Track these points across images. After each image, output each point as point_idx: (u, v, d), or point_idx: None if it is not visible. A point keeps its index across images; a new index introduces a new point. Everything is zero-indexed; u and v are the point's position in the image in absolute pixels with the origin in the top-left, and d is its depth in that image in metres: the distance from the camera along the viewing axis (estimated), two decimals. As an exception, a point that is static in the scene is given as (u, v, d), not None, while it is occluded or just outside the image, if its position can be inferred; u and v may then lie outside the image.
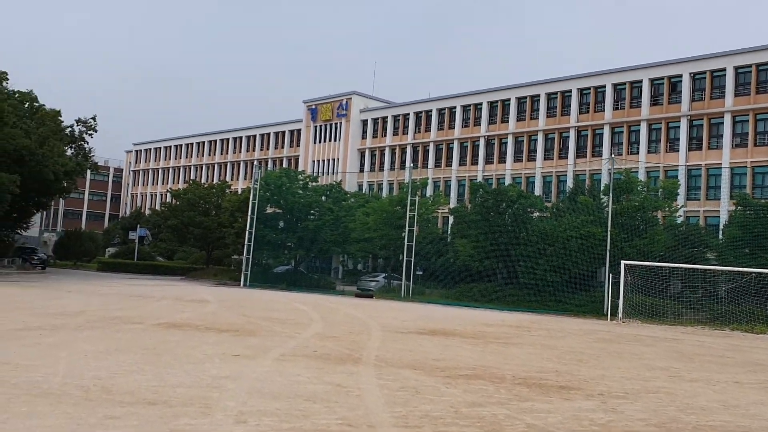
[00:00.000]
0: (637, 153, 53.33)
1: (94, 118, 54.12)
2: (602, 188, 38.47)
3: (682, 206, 41.39)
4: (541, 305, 36.02)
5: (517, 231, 37.66)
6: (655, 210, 36.09)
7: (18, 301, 21.37)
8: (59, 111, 45.84)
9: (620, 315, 29.29)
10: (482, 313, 30.47)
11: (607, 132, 55.66)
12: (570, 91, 58.29)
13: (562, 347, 16.90)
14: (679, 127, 51.89)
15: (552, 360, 13.96)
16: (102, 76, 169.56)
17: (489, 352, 14.58)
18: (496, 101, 63.06)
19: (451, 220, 55.46)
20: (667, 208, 36.21)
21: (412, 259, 39.71)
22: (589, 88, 57.31)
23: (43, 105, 45.63)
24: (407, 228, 40.08)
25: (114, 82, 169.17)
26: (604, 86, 56.15)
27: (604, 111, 56.08)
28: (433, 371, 11.18)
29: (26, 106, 44.74)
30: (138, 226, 65.05)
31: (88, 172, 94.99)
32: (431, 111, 67.75)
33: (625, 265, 30.11)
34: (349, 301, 34.85)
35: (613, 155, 37.83)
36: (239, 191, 63.97)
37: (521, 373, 11.65)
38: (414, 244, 39.94)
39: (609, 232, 34.65)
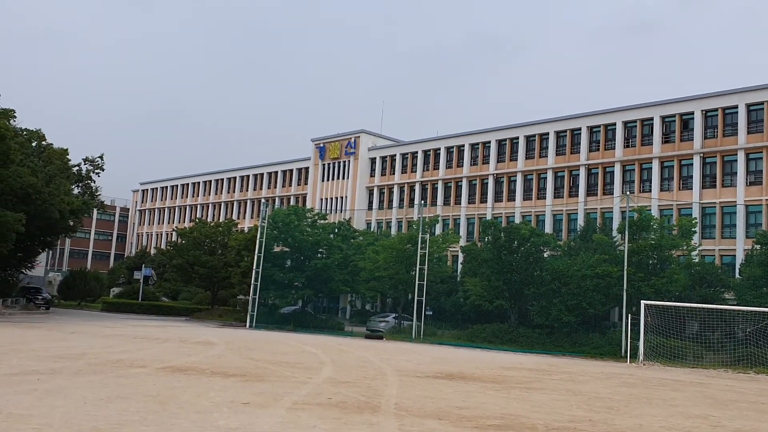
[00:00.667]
0: (650, 191, 52.66)
1: (101, 157, 53.95)
2: (616, 226, 37.62)
3: (699, 245, 40.43)
4: (555, 347, 34.96)
5: (530, 270, 36.82)
6: (671, 249, 35.23)
7: (18, 342, 20.59)
8: (66, 150, 45.65)
9: (641, 357, 28.24)
10: (497, 355, 29.46)
11: (618, 170, 55.08)
12: (579, 129, 57.93)
13: (587, 393, 15.97)
14: (691, 164, 51.26)
15: (581, 407, 13.05)
16: (109, 116, 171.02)
17: (513, 399, 13.69)
18: (505, 139, 62.72)
19: (461, 258, 54.70)
20: (684, 247, 35.32)
21: (423, 299, 38.81)
22: (599, 126, 56.94)
23: (51, 143, 45.44)
24: (418, 266, 39.26)
25: (121, 121, 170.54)
26: (614, 124, 55.76)
27: (614, 149, 55.58)
28: (460, 421, 10.32)
29: (33, 144, 44.55)
30: (143, 265, 64.36)
31: (95, 211, 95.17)
32: (439, 149, 67.47)
33: (645, 305, 29.14)
34: (359, 342, 33.88)
35: (627, 192, 37.09)
36: (246, 230, 63.40)
37: (553, 422, 10.77)
38: (425, 283, 39.07)
39: (625, 271, 33.77)
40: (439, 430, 9.42)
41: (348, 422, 9.60)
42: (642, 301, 29.39)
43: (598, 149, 56.77)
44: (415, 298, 39.08)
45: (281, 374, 15.75)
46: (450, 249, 49.20)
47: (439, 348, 32.96)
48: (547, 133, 59.93)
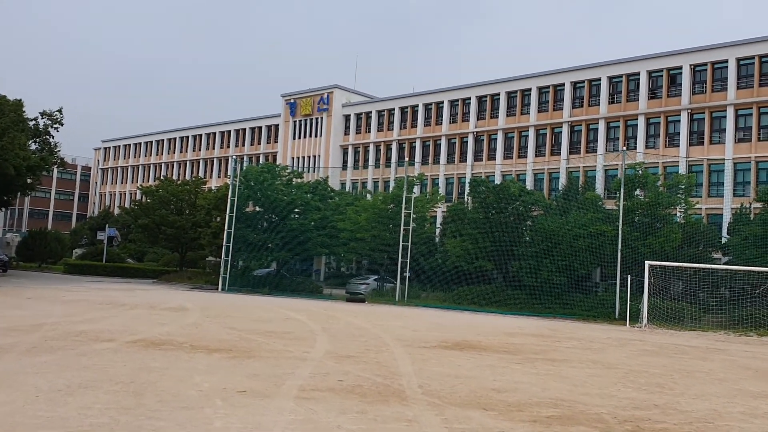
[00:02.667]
0: (635, 148, 51.21)
1: (60, 111, 50.47)
2: (602, 185, 35.92)
3: (696, 203, 38.98)
4: (545, 309, 33.48)
5: (519, 230, 35.09)
6: (668, 207, 33.71)
7: (-36, 311, 18.11)
8: (21, 101, 42.12)
9: (644, 321, 26.75)
10: (490, 319, 27.75)
11: (602, 127, 53.44)
12: (563, 84, 55.95)
13: (617, 365, 14.21)
14: (679, 121, 49.82)
15: (627, 385, 11.23)
16: (68, 71, 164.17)
17: (546, 375, 11.82)
18: (485, 96, 60.52)
19: (439, 218, 52.89)
20: (683, 204, 33.82)
21: (408, 261, 36.90)
22: (583, 82, 55.04)
23: (4, 95, 41.86)
24: (402, 227, 37.25)
25: (80, 77, 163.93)
26: (599, 79, 53.90)
27: (599, 105, 53.84)
28: (508, 411, 8.37)
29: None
30: (107, 226, 61.28)
31: (55, 169, 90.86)
32: (417, 106, 65.00)
33: (650, 266, 27.59)
34: (342, 306, 31.92)
35: (625, 148, 35.35)
36: (213, 190, 60.56)
37: (617, 410, 8.90)
38: (410, 244, 37.12)
39: (620, 231, 32.21)
40: (493, 427, 7.44)
41: (378, 417, 7.57)
42: (646, 262, 27.82)
43: (582, 105, 54.98)
44: (399, 259, 37.15)
45: (272, 348, 13.65)
46: (432, 210, 47.14)
47: (426, 311, 31.18)
48: (530, 90, 57.90)
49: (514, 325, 24.68)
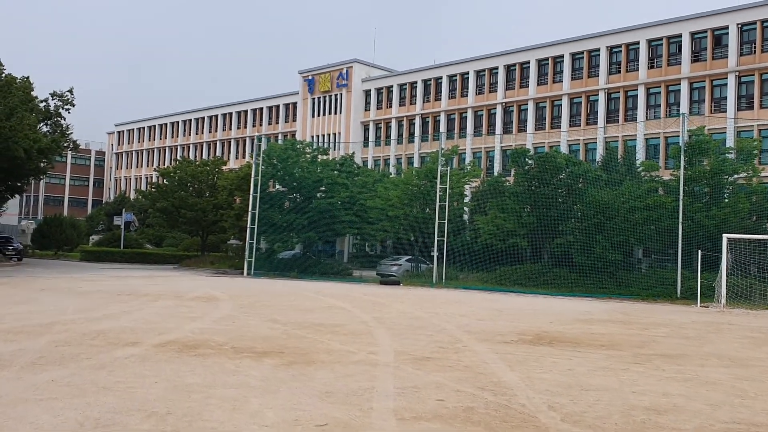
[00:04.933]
0: (677, 116, 48.15)
1: (71, 91, 47.95)
2: (671, 151, 33.01)
3: (763, 169, 35.95)
4: (598, 288, 30.84)
5: (568, 203, 32.37)
6: (731, 174, 30.83)
7: (-33, 308, 15.82)
8: (29, 78, 39.78)
9: (723, 301, 24.09)
10: (545, 302, 25.21)
11: (641, 93, 50.41)
12: (598, 50, 52.87)
13: (747, 361, 11.66)
14: (725, 84, 46.72)
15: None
16: (78, 54, 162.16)
17: (687, 382, 9.31)
18: (514, 64, 57.55)
19: (468, 195, 50.11)
20: (748, 172, 30.90)
21: (445, 239, 34.33)
22: (620, 46, 51.93)
23: (11, 74, 39.53)
24: (438, 204, 34.64)
25: (91, 60, 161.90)
26: (638, 43, 50.78)
27: (637, 71, 50.74)
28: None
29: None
30: (123, 210, 59.19)
31: (69, 154, 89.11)
32: (441, 78, 62.12)
33: (728, 239, 24.84)
34: (379, 290, 29.50)
35: (685, 113, 32.37)
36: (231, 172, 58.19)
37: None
38: (446, 222, 34.53)
39: (681, 201, 29.41)
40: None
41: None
42: (724, 235, 25.04)
43: (620, 71, 51.92)
44: (435, 238, 34.58)
45: (331, 349, 11.21)
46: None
47: (471, 294, 28.68)
48: (562, 56, 54.86)
49: (577, 309, 22.14)
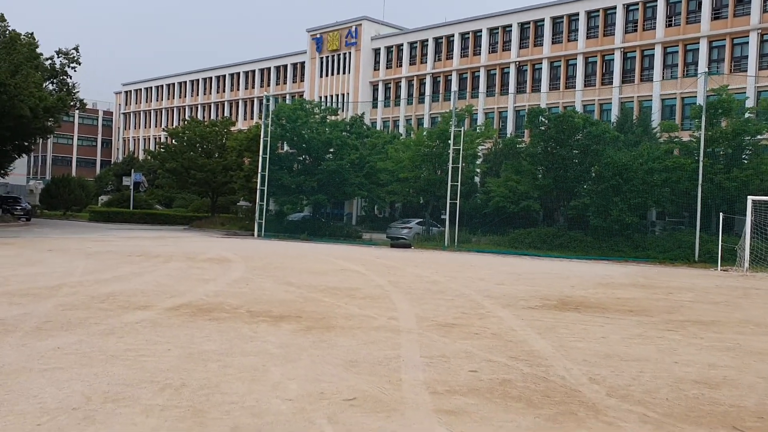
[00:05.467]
0: (694, 75, 46.93)
1: (76, 49, 47.08)
2: (691, 111, 32.09)
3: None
4: (614, 252, 30.34)
5: (586, 165, 31.62)
6: (754, 135, 29.95)
7: (-27, 269, 15.41)
8: (33, 35, 38.91)
9: (746, 264, 23.53)
10: (561, 266, 24.69)
11: (658, 53, 49.14)
12: (614, 7, 51.45)
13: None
14: (747, 42, 45.39)
15: None
16: (83, 13, 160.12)
17: (730, 351, 8.78)
18: (528, 22, 56.18)
19: (480, 157, 49.29)
20: (769, 132, 30.06)
21: (458, 202, 33.71)
22: (636, 4, 50.51)
23: (15, 30, 38.66)
24: (451, 165, 33.94)
25: (96, 19, 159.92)
26: (656, 0, 49.26)
27: (654, 29, 49.38)
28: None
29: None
30: (132, 171, 58.71)
31: (76, 114, 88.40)
32: (453, 36, 60.78)
33: (753, 201, 24.15)
34: (391, 254, 29.07)
35: (707, 71, 31.34)
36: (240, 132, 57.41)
37: None
38: (459, 184, 33.87)
39: (701, 163, 28.65)
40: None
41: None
42: (749, 197, 24.35)
43: (636, 30, 50.58)
44: (448, 201, 33.97)
45: (349, 313, 10.72)
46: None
47: (485, 258, 28.21)
48: (577, 14, 53.49)
49: (596, 273, 21.61)
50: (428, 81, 62.32)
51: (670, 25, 48.85)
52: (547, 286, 16.42)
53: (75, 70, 47.30)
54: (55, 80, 46.82)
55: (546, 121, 32.50)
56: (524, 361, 7.57)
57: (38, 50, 40.07)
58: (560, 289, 15.99)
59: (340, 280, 16.03)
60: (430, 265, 22.16)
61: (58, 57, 46.46)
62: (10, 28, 37.76)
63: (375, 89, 67.01)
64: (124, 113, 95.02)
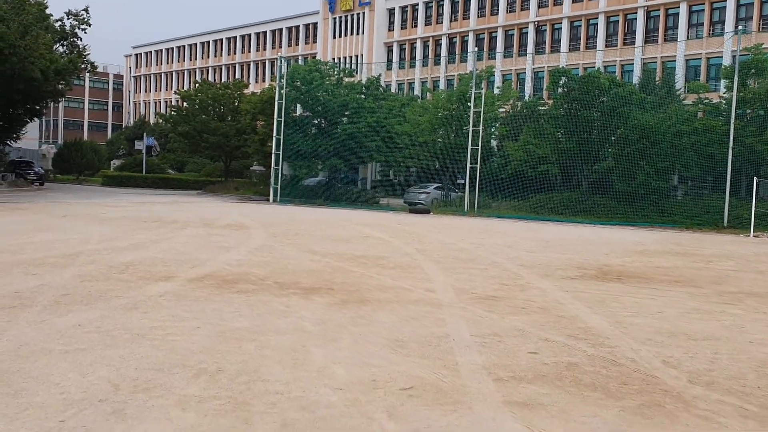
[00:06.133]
0: (721, 35, 45.40)
1: (86, 10, 46.11)
2: (722, 71, 30.93)
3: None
4: (640, 217, 29.57)
5: (611, 127, 30.64)
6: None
7: (-14, 236, 14.91)
8: (43, -5, 37.89)
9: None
10: (586, 231, 23.98)
11: (683, 11, 47.51)
12: (639, -36, 49.58)
13: None
14: (775, 1, 43.75)
15: None
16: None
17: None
18: (548, -20, 54.38)
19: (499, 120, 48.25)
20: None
21: (478, 167, 32.90)
22: (663, -40, 48.60)
23: (22, -11, 37.69)
24: (471, 128, 33.03)
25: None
26: (680, -45, 47.44)
27: (678, -14, 47.63)
28: None
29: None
30: (144, 134, 58.05)
31: (87, 78, 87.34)
32: (470, -5, 59.07)
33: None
34: (411, 219, 28.42)
35: (739, 29, 30.06)
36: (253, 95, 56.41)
37: None
38: (479, 148, 33.01)
39: (732, 125, 27.64)
40: None
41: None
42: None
43: (659, -12, 48.82)
44: (468, 165, 33.16)
45: (382, 285, 10.11)
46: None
47: (507, 223, 27.52)
48: (599, -29, 51.60)
49: (626, 239, 20.90)
50: (444, 42, 60.89)
51: (695, -17, 47.12)
52: (579, 254, 15.75)
53: (85, 32, 46.45)
54: (65, 42, 45.97)
55: (570, 83, 31.42)
56: (584, 340, 6.94)
57: (47, 11, 39.12)
58: (594, 256, 15.32)
59: (365, 247, 15.41)
60: (453, 231, 21.51)
61: (68, 18, 45.55)
62: (18, -12, 36.82)
63: (389, 51, 65.64)
64: (134, 76, 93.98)
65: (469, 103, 33.56)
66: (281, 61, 41.03)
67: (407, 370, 5.55)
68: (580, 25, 52.65)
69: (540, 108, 34.30)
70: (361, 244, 16.07)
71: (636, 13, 49.76)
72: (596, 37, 51.73)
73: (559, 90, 31.97)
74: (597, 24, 51.78)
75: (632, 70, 49.28)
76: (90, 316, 7.21)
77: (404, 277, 10.95)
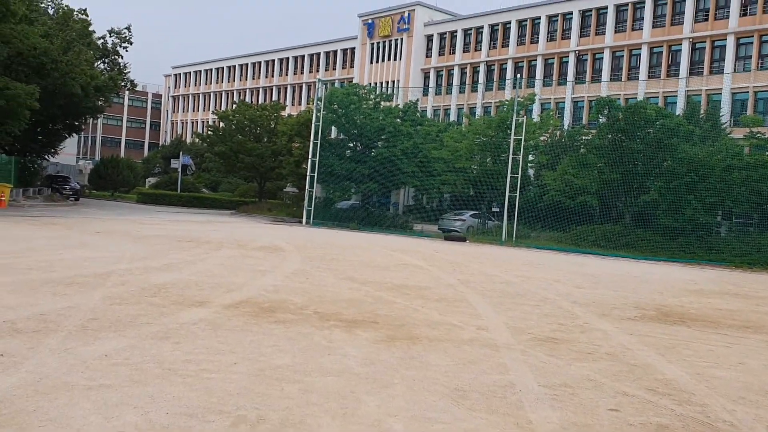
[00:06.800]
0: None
1: (128, 29, 46.68)
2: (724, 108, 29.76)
3: None
4: (686, 253, 28.34)
5: (658, 160, 29.62)
6: None
7: (15, 249, 14.52)
8: (86, 10, 38.33)
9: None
10: (631, 266, 22.94)
11: (731, 43, 46.39)
12: (685, -6, 48.70)
13: None
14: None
15: None
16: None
17: None
18: (590, 10, 53.79)
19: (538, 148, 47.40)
20: None
21: (517, 195, 32.07)
22: (708, -8, 47.71)
23: (67, 5, 38.23)
24: (511, 156, 32.27)
25: (149, 2, 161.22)
26: (730, -15, 46.49)
27: (728, 18, 46.66)
28: None
29: (43, 1, 36.96)
30: (181, 153, 58.33)
31: (126, 96, 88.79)
32: (510, 23, 58.70)
33: None
34: (446, 247, 27.64)
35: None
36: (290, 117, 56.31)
37: None
38: (519, 176, 32.20)
39: (787, 161, 26.49)
40: None
41: None
42: None
43: (707, 19, 47.86)
44: (507, 193, 32.33)
45: (430, 319, 9.38)
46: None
47: (548, 255, 26.57)
48: (643, 2, 50.95)
49: (677, 277, 19.86)
50: (482, 69, 60.44)
51: (744, 15, 46.06)
52: (632, 292, 14.84)
53: (126, 50, 46.98)
54: (106, 60, 46.48)
55: (616, 112, 30.52)
56: (667, 395, 6.12)
57: (90, 28, 39.53)
58: (649, 295, 14.40)
59: (405, 276, 14.70)
60: (494, 261, 20.69)
61: (111, 36, 46.10)
62: (63, 4, 37.28)
63: (426, 77, 65.40)
64: (173, 96, 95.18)
65: (509, 130, 32.84)
66: (320, 83, 40.82)
67: (475, 429, 4.81)
68: (623, 55, 51.80)
69: (583, 137, 33.37)
70: (400, 272, 15.37)
71: (681, 44, 48.80)
72: (639, 67, 50.81)
73: (601, 119, 31.07)
74: (640, 54, 50.89)
75: (676, 102, 48.17)
76: (118, 345, 6.61)
77: (452, 312, 10.20)
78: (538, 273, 17.79)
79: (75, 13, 37.24)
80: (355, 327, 8.40)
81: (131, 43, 46.69)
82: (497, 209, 37.37)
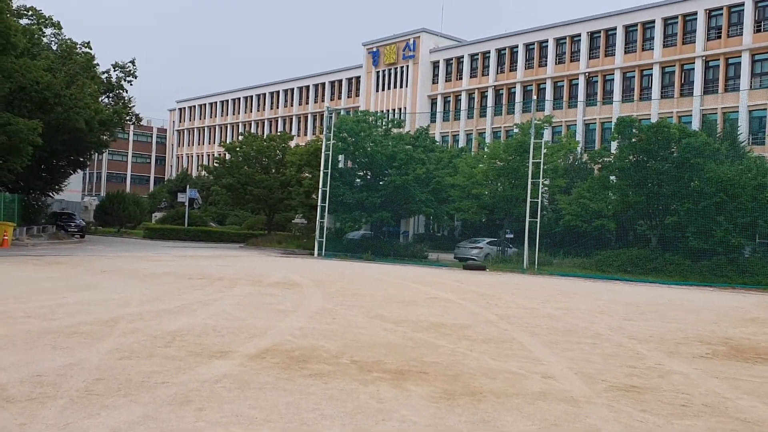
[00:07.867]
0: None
1: (132, 62, 46.05)
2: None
3: None
4: (718, 277, 27.05)
5: (684, 180, 28.46)
6: None
7: (16, 294, 13.37)
8: (89, 43, 37.63)
9: None
10: (663, 292, 21.67)
11: (746, 60, 45.50)
12: (695, 13, 48.10)
13: None
14: None
15: None
16: (139, 32, 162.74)
17: None
18: (599, 31, 53.18)
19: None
20: None
21: (538, 221, 30.90)
22: (720, 9, 47.14)
23: (71, 38, 37.55)
24: (530, 180, 31.17)
25: (152, 38, 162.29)
26: (742, 4, 45.81)
27: (741, 35, 45.87)
28: None
29: (46, 35, 36.29)
30: (187, 187, 57.45)
31: (131, 131, 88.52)
32: (517, 47, 58.11)
33: None
34: (468, 277, 26.39)
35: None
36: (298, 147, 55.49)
37: None
38: (539, 200, 31.07)
39: (822, 179, 25.32)
40: None
41: None
42: None
43: (720, 37, 47.06)
44: (527, 219, 31.16)
45: (483, 366, 8.17)
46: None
47: (576, 283, 25.31)
48: (653, 22, 50.26)
49: (720, 303, 18.58)
50: (490, 94, 59.70)
51: (758, 31, 45.25)
52: (685, 323, 13.59)
53: (131, 84, 46.36)
54: (111, 94, 45.80)
55: (638, 133, 29.46)
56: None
57: (94, 62, 38.86)
58: (705, 326, 13.16)
59: (438, 312, 13.49)
60: (525, 291, 19.45)
61: (115, 70, 45.47)
62: (66, 37, 36.65)
63: (433, 103, 64.76)
64: (178, 130, 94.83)
65: (527, 153, 31.80)
66: (328, 112, 39.99)
67: None
68: (633, 76, 51.00)
69: (605, 159, 32.26)
70: (431, 308, 14.16)
71: (693, 63, 47.98)
72: (650, 87, 49.96)
73: (621, 140, 30.02)
74: (651, 74, 50.06)
75: (691, 122, 47.18)
76: (129, 415, 5.43)
77: (506, 356, 8.99)
78: (577, 304, 16.53)
79: (78, 46, 36.59)
80: (402, 380, 7.20)
81: (135, 77, 46.01)
82: (511, 236, 36.19)
